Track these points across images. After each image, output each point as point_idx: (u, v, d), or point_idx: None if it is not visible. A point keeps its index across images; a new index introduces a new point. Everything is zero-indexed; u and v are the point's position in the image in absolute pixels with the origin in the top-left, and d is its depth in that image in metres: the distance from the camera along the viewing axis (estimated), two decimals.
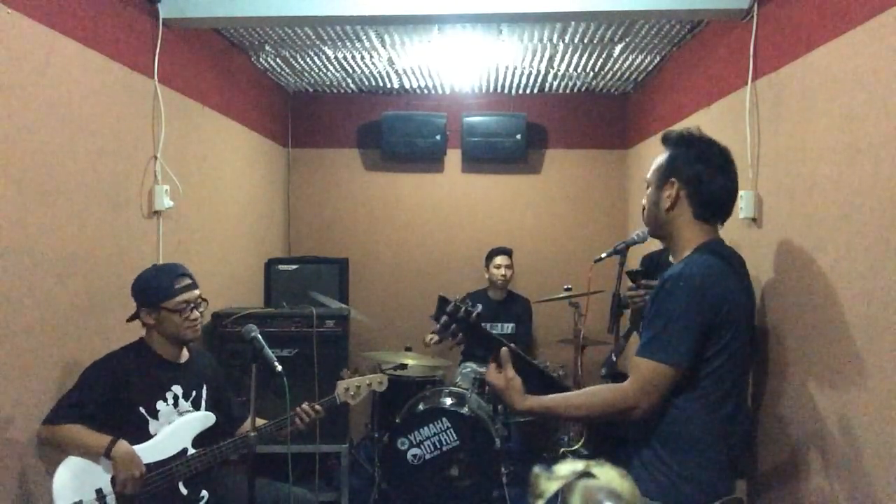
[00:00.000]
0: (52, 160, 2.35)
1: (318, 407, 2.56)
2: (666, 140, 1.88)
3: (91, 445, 2.16)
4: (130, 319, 2.47)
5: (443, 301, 1.65)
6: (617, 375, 1.88)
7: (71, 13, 2.44)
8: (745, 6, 2.83)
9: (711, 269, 1.74)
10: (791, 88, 2.50)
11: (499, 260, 4.56)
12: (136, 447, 2.21)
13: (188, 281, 2.44)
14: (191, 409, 2.45)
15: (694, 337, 1.67)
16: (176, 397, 2.42)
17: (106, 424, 2.23)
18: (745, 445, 2.71)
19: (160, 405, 2.36)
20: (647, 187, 1.89)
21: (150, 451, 2.26)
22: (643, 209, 1.93)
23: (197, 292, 2.46)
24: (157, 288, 2.38)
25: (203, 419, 2.44)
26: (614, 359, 1.92)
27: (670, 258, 1.89)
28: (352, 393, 2.68)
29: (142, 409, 2.31)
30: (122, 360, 2.35)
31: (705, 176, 1.79)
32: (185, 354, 2.52)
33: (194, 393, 2.49)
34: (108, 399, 2.25)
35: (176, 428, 2.36)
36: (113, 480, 2.17)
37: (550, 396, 1.73)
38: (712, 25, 3.38)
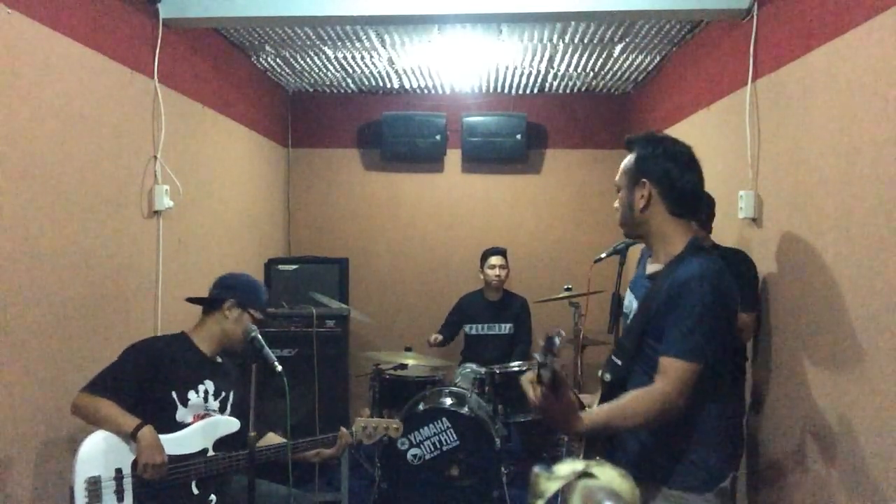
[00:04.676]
0: (52, 160, 2.35)
1: (348, 438, 2.61)
2: (630, 143, 1.92)
3: (120, 424, 2.19)
4: (197, 301, 2.54)
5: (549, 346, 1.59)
6: (619, 384, 1.87)
7: (71, 13, 2.44)
8: (745, 6, 2.83)
9: (723, 268, 1.79)
10: (791, 88, 2.50)
11: (493, 260, 4.53)
12: (160, 437, 2.23)
13: (268, 306, 2.63)
14: (217, 408, 2.48)
15: (718, 335, 1.73)
16: (206, 392, 2.45)
17: (138, 403, 2.26)
18: (741, 435, 2.76)
19: (191, 395, 2.40)
20: (618, 190, 1.94)
21: (172, 444, 2.27)
22: (617, 211, 1.96)
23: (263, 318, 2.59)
24: (257, 294, 2.55)
25: (228, 423, 2.45)
26: (619, 362, 1.89)
27: (653, 258, 1.91)
28: (368, 432, 2.70)
29: (174, 395, 2.35)
30: (165, 344, 2.42)
31: (675, 173, 1.82)
32: (219, 357, 2.56)
33: (223, 394, 2.52)
34: (144, 378, 2.30)
35: (201, 427, 2.37)
36: (134, 464, 2.19)
37: (601, 411, 1.74)
38: (712, 25, 3.38)
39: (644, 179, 1.83)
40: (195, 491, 2.31)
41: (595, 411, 1.73)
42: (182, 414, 2.36)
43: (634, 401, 1.73)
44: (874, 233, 1.95)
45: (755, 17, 2.79)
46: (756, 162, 2.78)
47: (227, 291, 2.50)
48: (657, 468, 1.79)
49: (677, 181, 1.82)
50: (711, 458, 1.79)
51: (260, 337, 2.33)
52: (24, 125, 2.20)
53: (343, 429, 2.59)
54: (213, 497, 2.37)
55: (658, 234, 1.86)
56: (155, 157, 3.05)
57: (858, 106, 2.04)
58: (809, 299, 2.33)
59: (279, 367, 2.31)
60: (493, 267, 4.50)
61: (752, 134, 2.79)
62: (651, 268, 1.91)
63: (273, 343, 2.49)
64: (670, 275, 1.78)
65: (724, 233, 2.91)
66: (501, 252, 4.56)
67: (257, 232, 4.59)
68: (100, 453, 2.15)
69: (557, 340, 1.54)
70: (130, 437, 2.18)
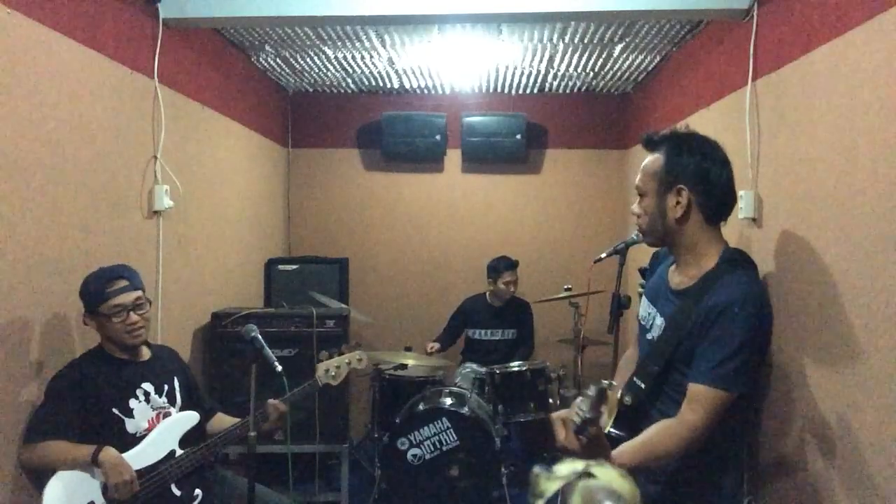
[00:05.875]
0: (53, 160, 2.35)
1: (281, 407, 2.47)
2: (653, 143, 1.74)
3: (77, 456, 2.12)
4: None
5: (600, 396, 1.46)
6: (640, 407, 1.77)
7: (71, 13, 2.44)
8: (745, 6, 2.83)
9: (762, 289, 1.68)
10: (791, 88, 2.50)
11: (508, 276, 4.52)
12: (123, 455, 2.18)
13: (124, 283, 2.31)
14: (166, 403, 2.42)
15: (755, 364, 1.64)
16: (147, 394, 2.38)
17: (83, 432, 2.20)
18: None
19: (133, 403, 2.32)
20: (642, 196, 1.75)
21: (137, 458, 2.22)
22: (637, 217, 1.79)
23: (135, 294, 2.33)
24: (91, 293, 2.29)
25: (186, 419, 2.42)
26: (641, 385, 1.76)
27: (679, 268, 1.78)
28: (332, 374, 2.63)
29: (115, 411, 2.28)
30: (85, 366, 2.30)
31: (714, 174, 1.66)
32: (145, 353, 2.46)
33: (166, 387, 2.45)
34: (79, 406, 2.22)
35: (159, 433, 2.33)
36: (104, 490, 2.14)
37: (630, 453, 1.60)
38: (712, 25, 3.38)
39: (680, 185, 1.66)
40: (177, 493, 2.29)
41: (624, 452, 1.60)
42: (133, 425, 2.30)
43: (664, 438, 1.61)
44: (874, 233, 1.95)
45: (755, 17, 2.79)
46: (756, 162, 2.77)
47: (83, 304, 2.33)
48: (680, 496, 1.73)
49: (717, 184, 1.64)
50: (725, 483, 1.72)
51: (260, 337, 2.33)
52: (23, 125, 2.20)
53: (271, 401, 2.47)
54: (198, 492, 2.35)
55: (690, 245, 1.70)
56: (155, 157, 3.05)
57: (858, 106, 2.04)
58: (809, 299, 2.33)
59: (279, 367, 2.30)
60: (507, 283, 4.50)
61: (752, 134, 2.79)
62: (677, 279, 1.77)
63: (273, 343, 2.48)
64: (705, 293, 1.64)
65: (724, 233, 2.91)
66: (515, 266, 4.55)
67: (257, 232, 4.59)
68: (66, 494, 2.08)
69: (609, 391, 1.42)
70: (92, 464, 2.12)
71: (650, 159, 1.74)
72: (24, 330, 2.22)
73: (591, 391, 1.40)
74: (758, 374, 1.64)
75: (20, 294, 2.19)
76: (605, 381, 1.43)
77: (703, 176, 1.66)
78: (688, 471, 1.73)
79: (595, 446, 1.48)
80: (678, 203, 1.68)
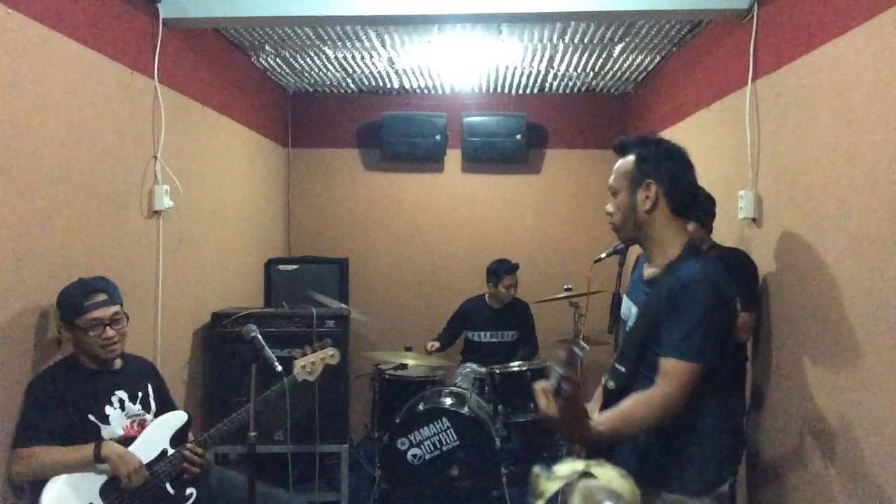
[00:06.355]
0: (53, 160, 2.35)
1: (198, 450, 2.37)
2: (625, 147, 1.94)
3: (76, 457, 2.11)
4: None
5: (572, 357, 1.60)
6: (623, 391, 1.84)
7: (71, 13, 2.44)
8: (745, 6, 2.83)
9: (721, 270, 1.80)
10: (791, 88, 2.50)
11: (508, 280, 4.51)
12: None
13: (102, 297, 2.27)
14: (141, 410, 2.41)
15: (717, 336, 1.73)
16: (122, 401, 2.37)
17: (64, 436, 2.18)
18: (742, 434, 2.75)
19: (108, 410, 2.31)
20: (615, 194, 1.95)
21: None
22: (611, 215, 1.98)
23: (113, 309, 2.29)
24: (69, 304, 2.25)
25: (176, 418, 2.42)
26: (623, 369, 1.87)
27: (650, 261, 1.91)
28: (308, 370, 2.64)
29: (91, 417, 2.27)
30: (59, 373, 2.27)
31: (678, 173, 1.84)
32: (118, 363, 2.42)
33: (140, 394, 2.44)
34: (59, 412, 2.20)
35: (152, 431, 2.34)
36: (102, 492, 2.13)
37: (609, 420, 1.71)
38: (712, 25, 3.38)
39: (649, 180, 1.84)
40: (171, 491, 2.29)
41: (602, 420, 1.71)
42: (108, 431, 2.28)
43: (638, 406, 1.72)
44: (874, 233, 1.95)
45: (755, 17, 2.79)
46: (756, 162, 2.78)
47: (60, 314, 2.29)
48: (656, 472, 1.78)
49: (681, 181, 1.83)
50: (711, 462, 1.79)
51: (260, 337, 2.33)
52: (24, 125, 2.20)
53: (189, 445, 2.37)
54: (191, 490, 2.35)
55: (658, 236, 1.86)
56: (155, 157, 3.05)
57: (858, 106, 2.04)
58: (809, 299, 2.33)
59: (279, 367, 2.30)
60: (508, 287, 4.49)
61: (752, 134, 2.79)
62: (648, 272, 1.90)
63: (273, 343, 2.48)
64: (669, 277, 1.78)
65: (724, 233, 2.91)
66: (515, 270, 4.54)
67: (257, 232, 4.59)
68: (65, 498, 2.06)
69: (580, 352, 1.56)
70: (95, 460, 2.10)
71: (622, 161, 1.94)
72: (24, 329, 2.22)
73: (563, 353, 1.55)
74: (725, 350, 1.77)
75: (20, 293, 2.19)
76: (578, 342, 1.58)
77: (669, 171, 1.84)
78: (670, 450, 1.79)
79: (571, 408, 1.59)
80: (647, 197, 1.85)
